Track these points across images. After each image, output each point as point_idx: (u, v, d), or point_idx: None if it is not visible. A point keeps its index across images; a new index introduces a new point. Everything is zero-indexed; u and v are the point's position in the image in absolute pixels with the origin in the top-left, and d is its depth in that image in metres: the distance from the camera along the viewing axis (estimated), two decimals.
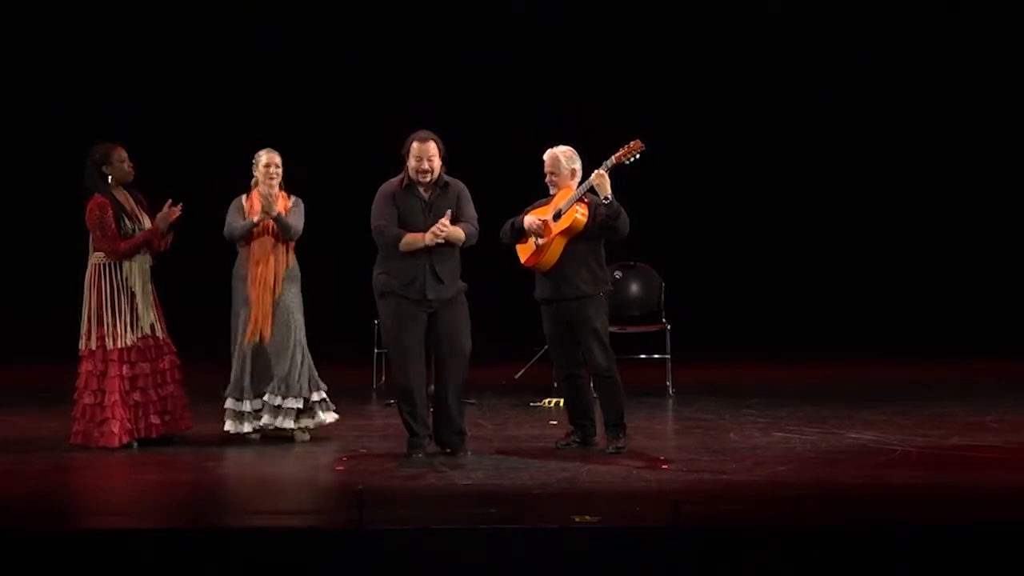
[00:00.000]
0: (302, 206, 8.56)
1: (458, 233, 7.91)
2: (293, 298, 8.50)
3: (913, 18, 13.38)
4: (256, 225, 8.43)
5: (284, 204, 8.52)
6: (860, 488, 6.99)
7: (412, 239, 7.86)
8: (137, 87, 13.15)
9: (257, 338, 8.41)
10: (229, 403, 8.49)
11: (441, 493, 7.01)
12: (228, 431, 8.47)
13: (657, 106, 12.93)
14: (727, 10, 13.52)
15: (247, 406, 8.45)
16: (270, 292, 8.42)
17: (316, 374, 8.57)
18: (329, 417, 8.59)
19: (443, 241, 7.85)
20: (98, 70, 13.18)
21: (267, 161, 8.52)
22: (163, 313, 8.45)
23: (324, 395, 8.58)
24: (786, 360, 12.37)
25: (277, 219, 8.42)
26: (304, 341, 8.53)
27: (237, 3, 13.37)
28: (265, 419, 8.45)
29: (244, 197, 8.55)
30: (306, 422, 8.52)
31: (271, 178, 8.50)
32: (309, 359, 8.55)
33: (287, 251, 8.51)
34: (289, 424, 8.47)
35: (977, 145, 13.63)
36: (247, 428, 8.47)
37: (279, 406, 8.44)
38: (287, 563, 5.85)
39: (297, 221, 8.50)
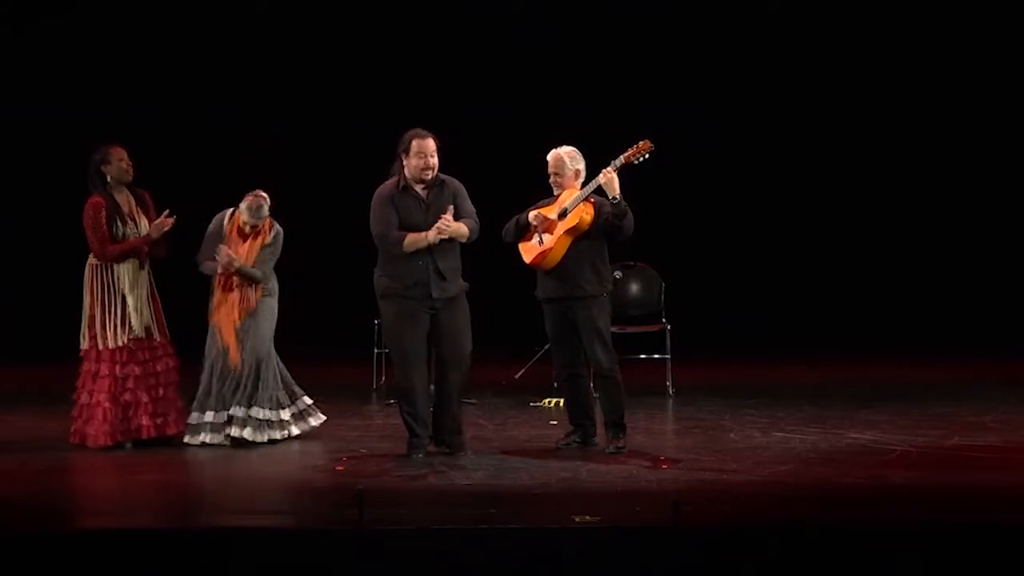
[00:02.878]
0: (281, 239, 8.49)
1: (461, 228, 7.90)
2: (262, 311, 8.44)
3: (913, 18, 13.37)
4: (216, 273, 8.39)
5: (264, 238, 8.44)
6: (860, 488, 7.00)
7: (415, 239, 7.85)
8: (138, 89, 13.13)
9: (232, 361, 8.35)
10: (192, 417, 8.43)
11: (441, 493, 7.02)
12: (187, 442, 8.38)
13: (657, 106, 12.91)
14: (727, 10, 13.51)
15: (208, 417, 8.36)
16: (234, 322, 8.37)
17: (293, 384, 8.57)
18: (316, 421, 8.58)
19: (446, 237, 7.85)
20: (100, 72, 13.17)
21: (245, 209, 8.43)
22: (163, 316, 8.45)
23: (307, 403, 8.57)
24: (786, 360, 12.36)
25: (240, 272, 8.38)
26: (273, 351, 8.48)
27: (235, 4, 13.36)
28: (247, 432, 8.33)
29: (227, 217, 8.46)
30: (294, 430, 8.49)
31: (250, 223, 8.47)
32: (282, 369, 8.52)
33: (250, 290, 8.45)
34: (275, 435, 8.41)
35: (977, 146, 13.61)
36: (208, 439, 8.33)
37: (268, 419, 8.39)
38: (287, 563, 5.85)
39: (266, 265, 8.44)
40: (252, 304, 8.43)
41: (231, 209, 8.51)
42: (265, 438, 8.37)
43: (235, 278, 8.42)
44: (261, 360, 8.40)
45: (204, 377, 8.43)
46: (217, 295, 8.44)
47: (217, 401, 8.37)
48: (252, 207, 8.44)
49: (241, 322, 8.38)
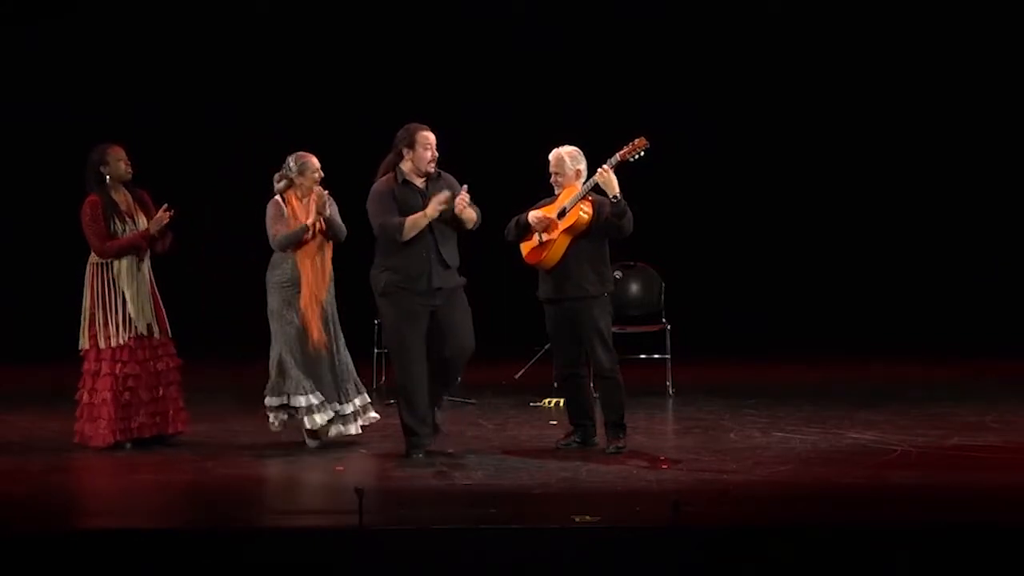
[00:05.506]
0: (332, 200, 8.35)
1: (472, 213, 7.91)
2: (333, 300, 8.33)
3: (912, 18, 13.37)
4: (309, 229, 8.19)
5: (319, 199, 8.28)
6: (860, 488, 7.00)
7: (414, 220, 7.80)
8: (137, 89, 13.14)
9: (319, 346, 8.21)
10: (303, 400, 8.17)
11: (441, 493, 7.02)
12: (312, 427, 8.20)
13: (657, 106, 12.92)
14: (727, 10, 13.52)
15: (314, 399, 8.19)
16: (318, 301, 8.22)
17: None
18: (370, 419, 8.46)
19: (445, 206, 7.77)
20: (100, 72, 13.17)
21: (319, 166, 8.29)
22: (164, 315, 8.43)
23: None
24: (786, 360, 12.36)
25: (330, 220, 8.25)
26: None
27: (235, 4, 13.37)
28: (349, 428, 8.27)
29: (281, 200, 8.28)
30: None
31: (318, 183, 8.30)
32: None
33: (328, 255, 8.30)
34: (358, 426, 8.33)
35: (977, 146, 13.62)
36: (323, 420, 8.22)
37: (355, 411, 8.29)
38: (287, 563, 5.85)
39: (341, 224, 8.34)
40: (330, 271, 8.30)
41: (276, 196, 8.31)
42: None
43: (312, 251, 8.23)
44: (344, 347, 8.31)
45: (285, 360, 8.21)
46: (307, 279, 8.21)
47: (325, 392, 8.21)
48: (298, 162, 8.30)
49: (328, 294, 8.26)
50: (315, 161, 8.35)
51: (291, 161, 8.34)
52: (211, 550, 5.90)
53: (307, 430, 8.27)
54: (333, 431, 8.31)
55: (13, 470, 7.62)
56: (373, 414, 8.46)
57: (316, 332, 8.21)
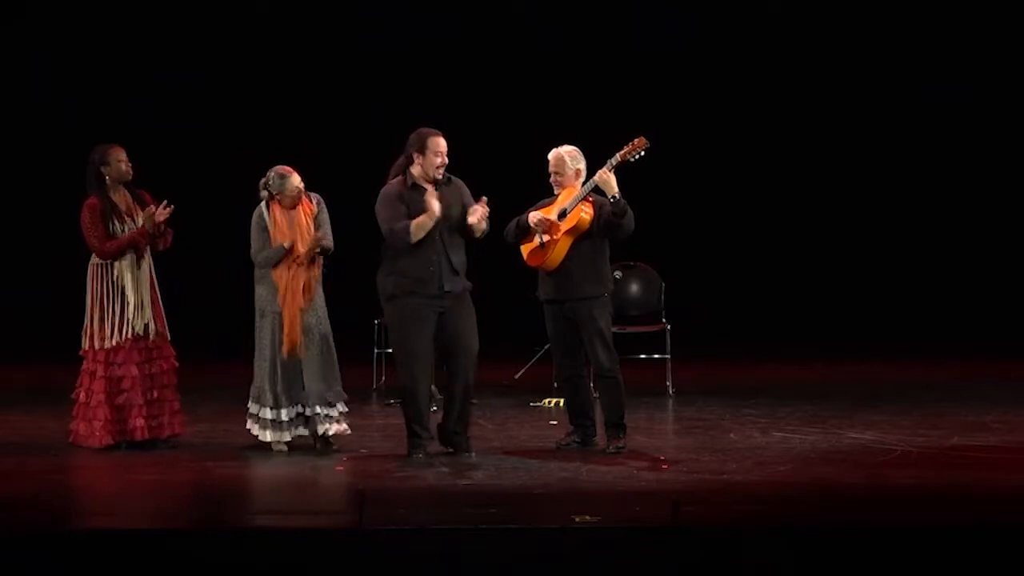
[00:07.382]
0: (324, 206, 8.31)
1: (484, 225, 7.91)
2: (321, 302, 8.26)
3: (913, 18, 13.38)
4: (287, 251, 8.12)
5: (310, 209, 8.25)
6: (860, 488, 7.00)
7: (420, 222, 7.79)
8: (140, 87, 13.14)
9: (294, 351, 8.12)
10: (260, 410, 8.15)
11: (441, 493, 7.02)
12: (260, 440, 8.15)
13: (658, 105, 12.92)
14: (727, 10, 13.52)
15: (283, 415, 8.14)
16: (300, 302, 8.15)
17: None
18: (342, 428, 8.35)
19: (478, 224, 7.83)
20: (100, 72, 13.18)
21: (298, 182, 8.20)
22: (163, 315, 8.41)
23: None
24: (786, 360, 12.36)
25: (323, 251, 8.21)
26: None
27: (235, 4, 13.37)
28: (313, 429, 8.15)
29: (264, 210, 8.21)
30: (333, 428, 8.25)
31: (299, 199, 8.24)
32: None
33: (315, 265, 8.24)
34: (336, 428, 8.19)
35: (976, 146, 13.62)
36: (287, 437, 8.15)
37: (328, 415, 8.17)
38: (287, 563, 5.85)
39: (330, 235, 8.25)
40: (315, 286, 8.21)
41: (262, 203, 8.24)
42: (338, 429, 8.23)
43: (296, 261, 8.16)
44: (328, 335, 8.23)
45: (265, 369, 8.16)
46: (282, 282, 8.14)
47: (288, 397, 8.13)
48: (279, 180, 8.20)
49: (307, 304, 8.18)
50: (295, 181, 8.20)
51: (272, 175, 8.24)
52: (211, 550, 5.90)
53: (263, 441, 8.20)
54: (293, 432, 8.19)
55: (13, 470, 7.61)
56: (336, 428, 8.23)
57: (287, 339, 8.10)
